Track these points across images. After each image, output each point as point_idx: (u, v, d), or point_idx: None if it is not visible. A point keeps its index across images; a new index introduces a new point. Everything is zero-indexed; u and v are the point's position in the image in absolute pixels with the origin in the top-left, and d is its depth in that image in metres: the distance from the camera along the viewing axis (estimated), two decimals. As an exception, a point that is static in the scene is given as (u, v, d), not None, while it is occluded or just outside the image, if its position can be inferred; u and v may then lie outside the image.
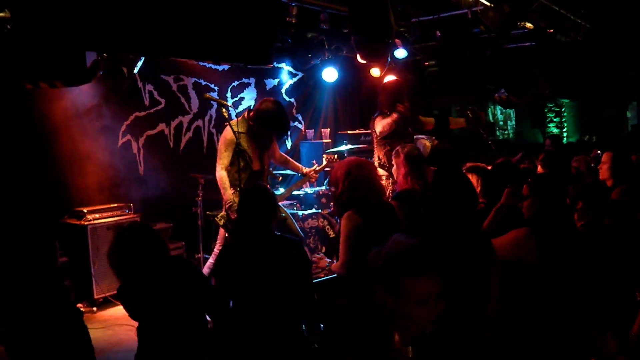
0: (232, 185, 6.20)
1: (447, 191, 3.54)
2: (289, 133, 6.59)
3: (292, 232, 6.50)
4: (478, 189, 5.50)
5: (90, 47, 4.70)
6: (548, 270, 3.71)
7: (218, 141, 7.28)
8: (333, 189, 4.81)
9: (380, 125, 7.04)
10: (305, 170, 6.96)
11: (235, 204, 6.00)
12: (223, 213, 6.30)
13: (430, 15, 8.51)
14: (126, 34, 4.35)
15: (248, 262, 4.04)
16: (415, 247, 2.68)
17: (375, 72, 9.52)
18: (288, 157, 7.09)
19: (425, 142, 7.79)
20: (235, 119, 6.46)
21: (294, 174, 7.79)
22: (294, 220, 6.84)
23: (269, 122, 6.28)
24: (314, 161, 7.38)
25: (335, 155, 7.19)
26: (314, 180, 7.14)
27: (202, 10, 4.66)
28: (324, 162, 7.09)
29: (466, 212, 3.59)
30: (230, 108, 6.37)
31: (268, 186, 4.79)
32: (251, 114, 6.37)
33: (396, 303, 2.65)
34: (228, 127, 6.21)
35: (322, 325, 4.44)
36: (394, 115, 6.96)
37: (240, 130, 6.23)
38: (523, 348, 3.62)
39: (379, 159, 7.02)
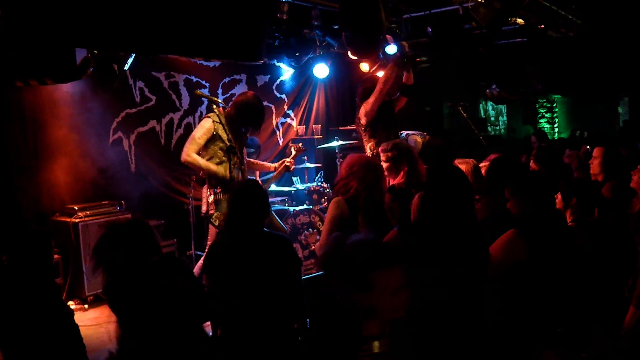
0: (218, 181, 6.18)
1: (446, 188, 3.51)
2: (259, 128, 6.53)
3: (274, 227, 6.52)
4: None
5: (80, 44, 4.70)
6: (540, 268, 3.71)
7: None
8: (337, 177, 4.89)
9: (363, 112, 7.03)
10: (275, 165, 7.00)
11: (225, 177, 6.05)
12: (217, 213, 6.26)
13: (422, 11, 8.51)
14: (116, 31, 4.35)
15: (238, 260, 4.04)
16: (383, 241, 2.72)
17: (364, 67, 9.51)
18: (253, 160, 7.12)
19: (416, 138, 7.78)
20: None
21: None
22: (275, 216, 6.85)
23: (247, 112, 6.28)
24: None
25: (300, 144, 7.21)
26: (292, 169, 7.06)
27: (193, 7, 4.66)
28: (293, 152, 7.08)
29: (467, 208, 3.57)
30: (221, 104, 6.35)
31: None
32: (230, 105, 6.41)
33: (365, 297, 2.67)
34: (207, 119, 6.19)
35: (308, 321, 4.45)
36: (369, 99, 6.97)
37: (220, 121, 6.21)
38: (522, 346, 3.64)
39: (371, 150, 7.00)
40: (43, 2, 4.07)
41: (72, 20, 4.18)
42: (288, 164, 6.89)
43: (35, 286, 3.97)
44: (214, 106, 6.22)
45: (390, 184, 5.64)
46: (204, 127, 6.15)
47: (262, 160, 7.55)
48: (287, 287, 4.12)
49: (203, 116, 6.45)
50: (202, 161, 6.11)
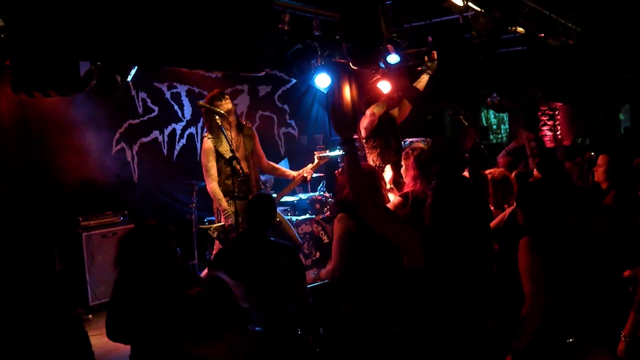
0: (226, 193, 6.26)
1: (453, 194, 3.51)
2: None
3: (288, 237, 6.51)
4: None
5: (84, 56, 4.73)
6: (551, 273, 3.77)
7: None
8: (337, 191, 4.84)
9: (362, 125, 7.06)
10: (295, 174, 6.96)
11: (233, 213, 6.07)
12: (217, 225, 6.31)
13: (422, 21, 8.54)
14: (119, 44, 4.38)
15: (243, 269, 4.08)
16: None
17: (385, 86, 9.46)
18: (275, 165, 7.12)
19: (420, 145, 7.79)
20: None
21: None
22: (290, 225, 6.82)
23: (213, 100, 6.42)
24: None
25: (327, 151, 7.08)
26: (309, 179, 7.04)
27: (194, 19, 4.69)
28: (316, 161, 6.98)
29: (476, 214, 3.56)
30: (223, 114, 6.38)
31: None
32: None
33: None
34: (205, 139, 6.39)
35: (322, 330, 4.48)
36: (367, 112, 7.00)
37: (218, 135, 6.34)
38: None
39: (373, 161, 7.02)
40: (46, 15, 4.11)
41: (75, 33, 4.21)
42: (306, 174, 6.85)
43: (37, 292, 4.01)
44: (216, 116, 6.26)
45: (405, 190, 5.62)
46: (205, 150, 6.40)
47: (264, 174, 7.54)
48: (290, 293, 4.17)
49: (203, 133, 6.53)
50: (221, 196, 6.28)
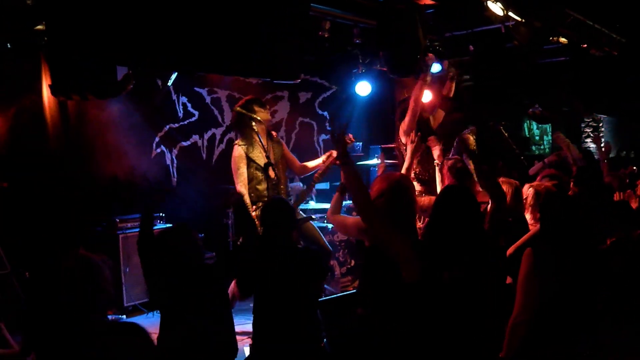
0: (259, 198, 6.26)
1: (448, 210, 3.48)
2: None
3: (318, 244, 6.49)
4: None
5: (121, 62, 4.82)
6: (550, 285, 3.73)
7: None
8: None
9: (401, 132, 7.00)
10: (323, 157, 6.68)
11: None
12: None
13: (463, 30, 8.48)
14: (155, 50, 4.44)
15: (270, 274, 4.12)
16: None
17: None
18: (305, 164, 6.94)
19: (468, 137, 7.73)
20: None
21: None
22: (320, 233, 6.77)
23: (247, 106, 6.45)
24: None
25: (351, 135, 6.75)
26: (328, 168, 6.52)
27: (229, 26, 4.73)
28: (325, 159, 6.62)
29: (467, 227, 3.52)
30: (259, 121, 6.40)
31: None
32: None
33: None
34: (236, 147, 6.37)
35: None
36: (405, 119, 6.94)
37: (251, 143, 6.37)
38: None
39: (413, 169, 6.94)
40: (86, 21, 4.19)
41: (114, 38, 4.29)
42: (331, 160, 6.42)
43: (36, 292, 4.04)
44: (253, 122, 6.30)
45: None
46: (236, 157, 6.35)
47: (303, 178, 7.50)
48: (318, 299, 4.21)
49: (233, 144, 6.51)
50: (249, 203, 6.26)
